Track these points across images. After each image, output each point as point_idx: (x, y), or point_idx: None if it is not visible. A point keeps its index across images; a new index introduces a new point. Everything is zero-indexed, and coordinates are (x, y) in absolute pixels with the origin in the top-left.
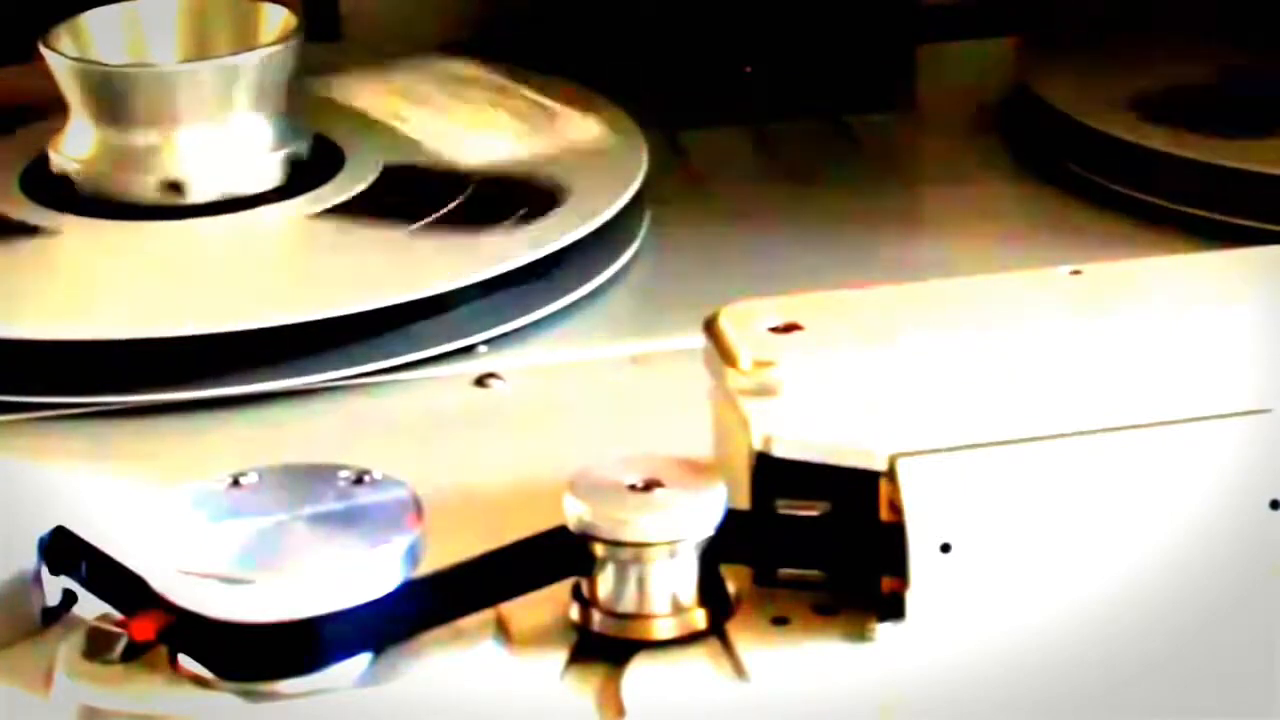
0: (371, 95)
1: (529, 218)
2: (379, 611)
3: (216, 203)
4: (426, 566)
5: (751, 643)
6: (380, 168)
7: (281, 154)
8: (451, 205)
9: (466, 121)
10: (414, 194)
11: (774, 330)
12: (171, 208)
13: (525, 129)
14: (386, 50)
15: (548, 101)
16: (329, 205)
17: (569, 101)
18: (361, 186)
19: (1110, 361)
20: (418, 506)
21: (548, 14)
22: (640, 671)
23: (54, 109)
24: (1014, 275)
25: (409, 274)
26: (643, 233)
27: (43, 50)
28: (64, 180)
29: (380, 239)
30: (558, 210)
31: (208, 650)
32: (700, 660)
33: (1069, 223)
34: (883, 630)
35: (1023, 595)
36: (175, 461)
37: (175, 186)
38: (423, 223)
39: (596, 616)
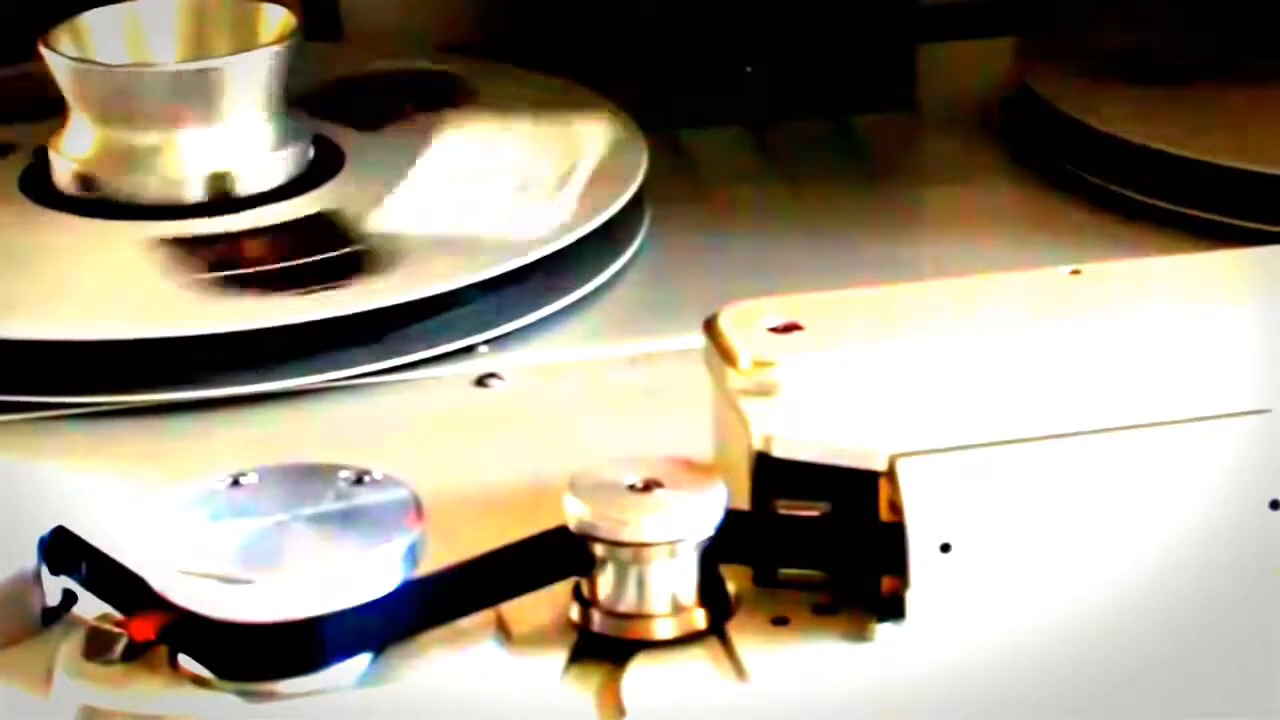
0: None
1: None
2: (379, 611)
3: (215, 203)
4: (426, 566)
5: (751, 643)
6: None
7: (281, 154)
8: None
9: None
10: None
11: (774, 330)
12: (171, 208)
13: (525, 131)
14: (386, 50)
15: (547, 102)
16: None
17: (569, 102)
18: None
19: (1110, 361)
20: (418, 506)
21: (548, 14)
22: (640, 671)
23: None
24: (1014, 275)
25: (407, 275)
26: (643, 233)
27: (43, 50)
28: (64, 180)
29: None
30: (557, 211)
31: (208, 650)
32: (700, 660)
33: (1069, 223)
34: (883, 630)
35: (1023, 595)
36: (175, 461)
37: (175, 187)
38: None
39: (596, 616)
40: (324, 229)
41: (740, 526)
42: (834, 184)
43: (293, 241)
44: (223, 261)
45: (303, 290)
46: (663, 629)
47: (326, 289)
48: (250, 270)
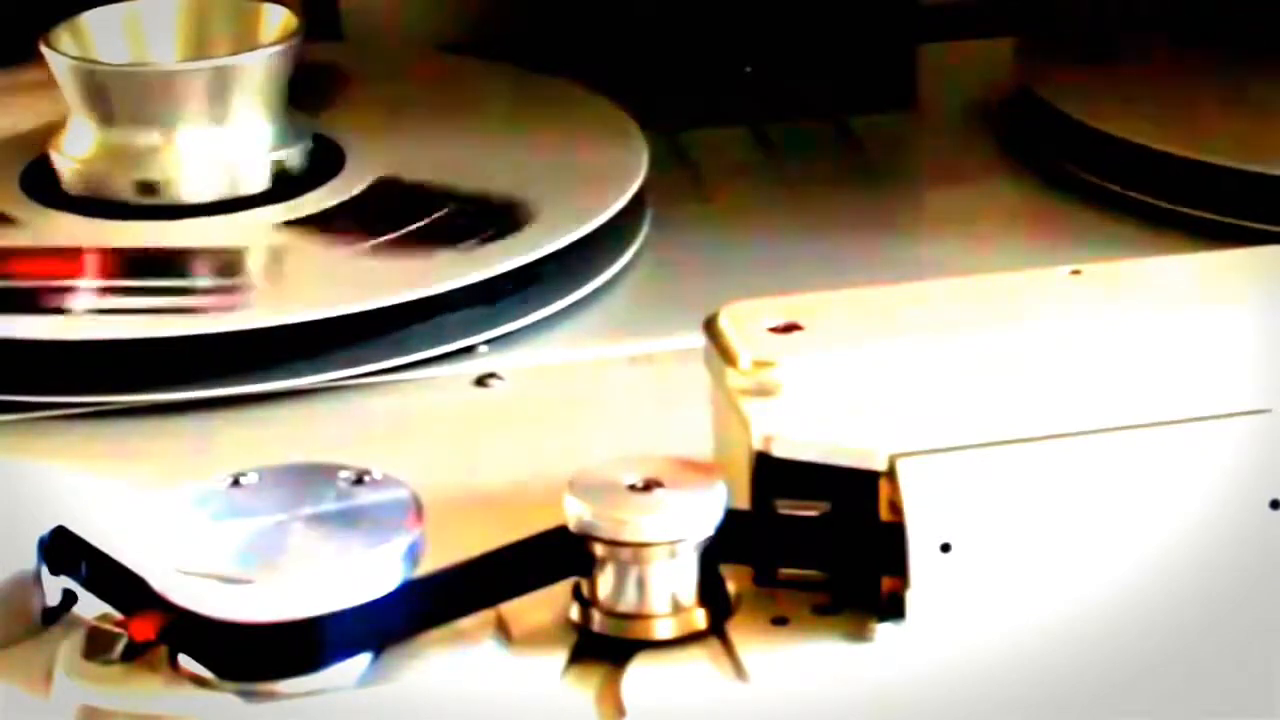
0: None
1: (522, 223)
2: (379, 611)
3: (215, 203)
4: (426, 566)
5: (751, 643)
6: (375, 175)
7: (281, 155)
8: (434, 217)
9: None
10: (402, 203)
11: (774, 330)
12: (171, 208)
13: (526, 131)
14: (387, 50)
15: (547, 102)
16: (324, 208)
17: (569, 101)
18: (356, 190)
19: (1110, 361)
20: (418, 506)
21: (548, 14)
22: (640, 671)
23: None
24: (1014, 275)
25: (407, 275)
26: (643, 233)
27: (43, 50)
28: (64, 180)
29: (372, 243)
30: (557, 211)
31: (208, 650)
32: (700, 660)
33: (1069, 223)
34: (883, 630)
35: (1023, 595)
36: (175, 461)
37: (175, 187)
38: (404, 231)
39: (596, 616)
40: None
41: (740, 526)
42: (834, 184)
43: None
44: (354, 235)
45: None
46: (663, 629)
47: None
48: (398, 235)
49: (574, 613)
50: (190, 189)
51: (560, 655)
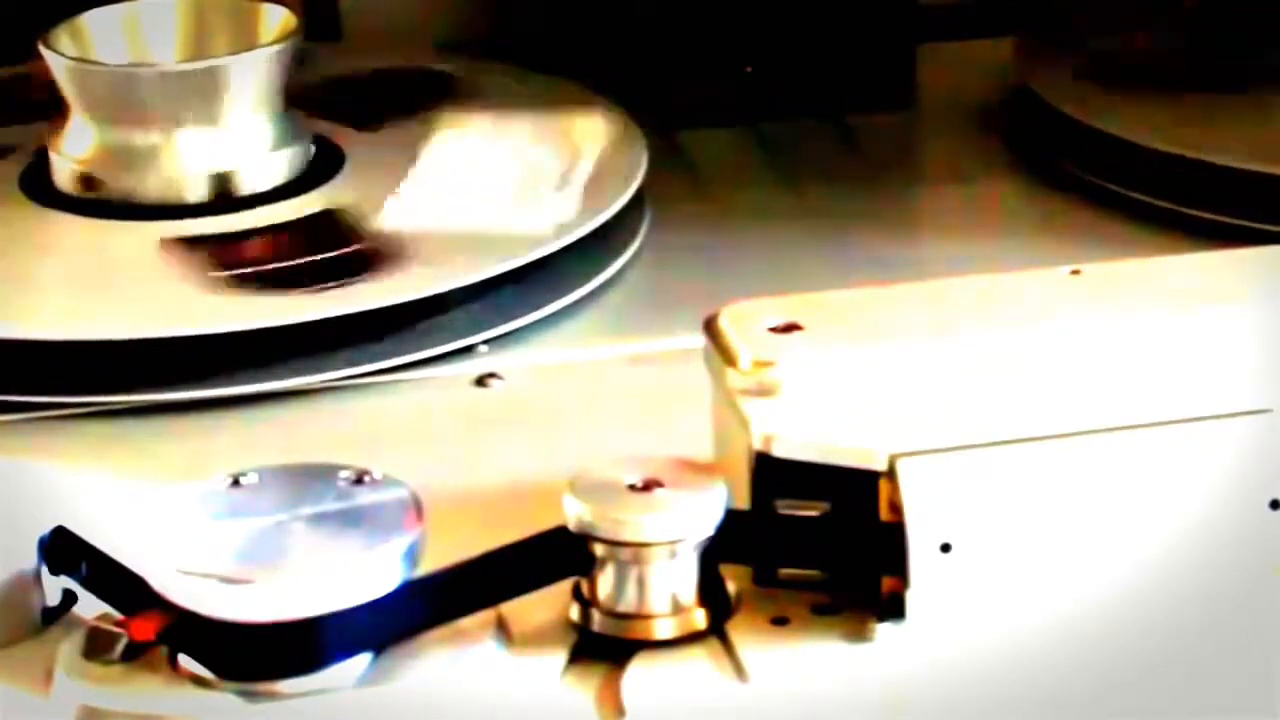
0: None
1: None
2: (379, 611)
3: (216, 203)
4: (426, 566)
5: (751, 643)
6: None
7: (281, 155)
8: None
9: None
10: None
11: (774, 330)
12: (171, 208)
13: (525, 131)
14: (387, 50)
15: (547, 102)
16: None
17: (569, 101)
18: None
19: (1110, 361)
20: (418, 506)
21: (547, 14)
22: (640, 671)
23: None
24: (1014, 275)
25: (408, 274)
26: (643, 233)
27: (43, 50)
28: (63, 180)
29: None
30: (557, 210)
31: (208, 650)
32: (700, 660)
33: (1069, 223)
34: (883, 630)
35: (1023, 595)
36: (175, 461)
37: (175, 186)
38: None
39: (596, 616)
40: (325, 228)
41: (740, 526)
42: (834, 184)
43: (293, 241)
44: (223, 261)
45: (303, 290)
46: (663, 629)
47: (326, 289)
48: (248, 270)
49: (574, 613)
50: (189, 189)
51: (560, 655)
